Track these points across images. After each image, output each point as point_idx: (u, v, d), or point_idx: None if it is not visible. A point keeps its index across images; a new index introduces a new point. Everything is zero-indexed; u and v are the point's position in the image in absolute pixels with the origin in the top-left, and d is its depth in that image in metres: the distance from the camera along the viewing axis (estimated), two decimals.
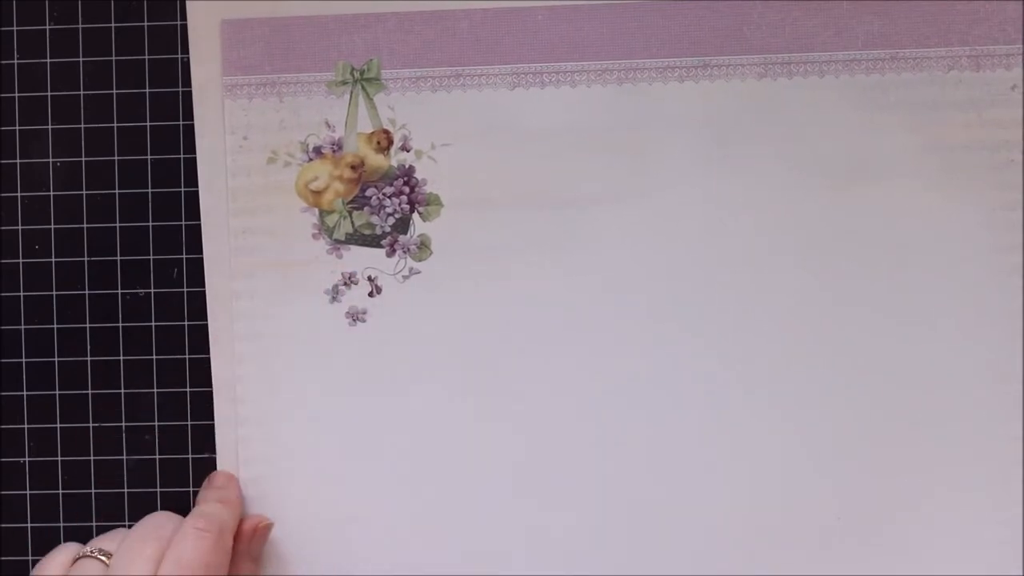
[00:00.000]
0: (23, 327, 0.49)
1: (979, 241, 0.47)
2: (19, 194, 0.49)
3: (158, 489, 0.49)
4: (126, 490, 0.49)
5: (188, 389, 0.49)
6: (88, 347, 0.49)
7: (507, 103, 0.48)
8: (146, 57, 0.49)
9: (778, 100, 0.47)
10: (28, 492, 0.49)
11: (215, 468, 0.48)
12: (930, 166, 0.47)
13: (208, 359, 0.49)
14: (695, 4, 0.47)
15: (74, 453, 0.49)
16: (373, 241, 0.48)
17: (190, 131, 0.49)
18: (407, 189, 0.48)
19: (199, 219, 0.48)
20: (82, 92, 0.49)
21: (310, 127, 0.48)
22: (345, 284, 0.48)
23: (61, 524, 0.49)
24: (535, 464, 0.48)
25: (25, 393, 0.49)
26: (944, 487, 0.47)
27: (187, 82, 0.49)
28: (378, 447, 0.48)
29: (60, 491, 0.49)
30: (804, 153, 0.47)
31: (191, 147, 0.49)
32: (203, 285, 0.49)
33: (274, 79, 0.48)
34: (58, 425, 0.49)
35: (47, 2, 0.49)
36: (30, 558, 0.49)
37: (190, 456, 0.49)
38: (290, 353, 0.48)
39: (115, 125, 0.49)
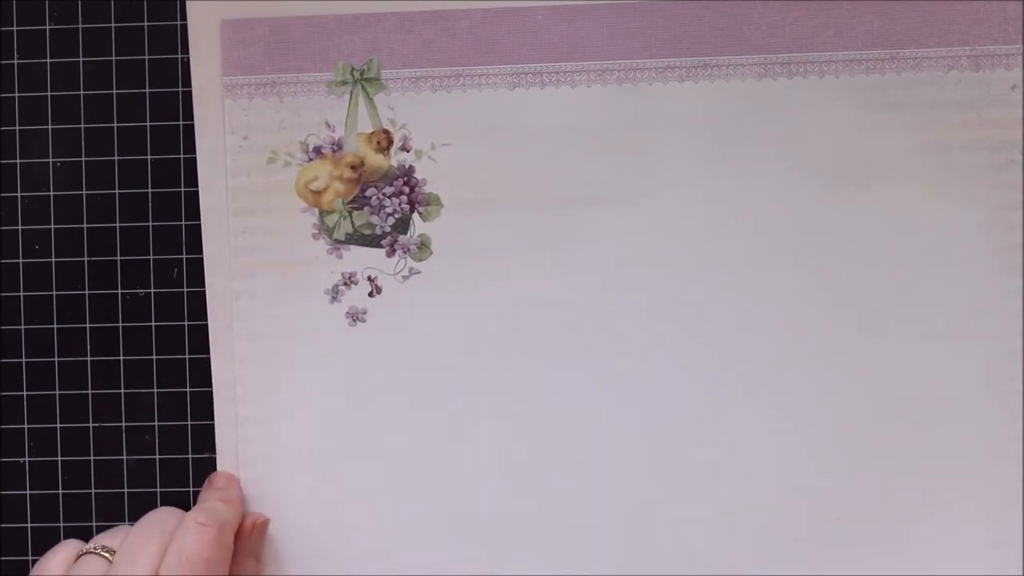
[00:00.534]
0: (23, 327, 0.49)
1: (979, 241, 0.47)
2: (19, 194, 0.49)
3: (158, 489, 0.49)
4: (126, 490, 0.49)
5: (188, 389, 0.49)
6: (88, 347, 0.49)
7: (507, 103, 0.48)
8: (146, 57, 0.49)
9: (778, 100, 0.47)
10: (28, 492, 0.49)
11: (215, 468, 0.48)
12: (930, 166, 0.47)
13: (208, 359, 0.49)
14: (695, 4, 0.47)
15: (74, 453, 0.49)
16: (373, 241, 0.48)
17: (190, 131, 0.49)
18: (407, 189, 0.48)
19: (199, 219, 0.48)
20: (82, 92, 0.49)
21: (310, 127, 0.48)
22: (345, 284, 0.48)
23: (61, 524, 0.49)
24: (535, 464, 0.48)
25: (25, 393, 0.49)
26: (944, 487, 0.47)
27: (187, 82, 0.49)
28: (378, 447, 0.48)
29: (60, 491, 0.49)
30: (804, 153, 0.47)
31: (191, 147, 0.49)
32: (203, 285, 0.49)
33: (274, 79, 0.48)
34: (58, 425, 0.49)
35: (47, 2, 0.49)
36: (30, 558, 0.49)
37: (190, 456, 0.49)
38: (290, 353, 0.48)
39: (115, 125, 0.49)
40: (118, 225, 0.49)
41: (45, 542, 0.49)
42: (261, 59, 0.48)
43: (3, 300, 0.49)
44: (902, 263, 0.47)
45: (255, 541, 0.47)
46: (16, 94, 0.49)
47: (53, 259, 0.49)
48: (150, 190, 0.49)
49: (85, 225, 0.49)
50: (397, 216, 0.48)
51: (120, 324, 0.49)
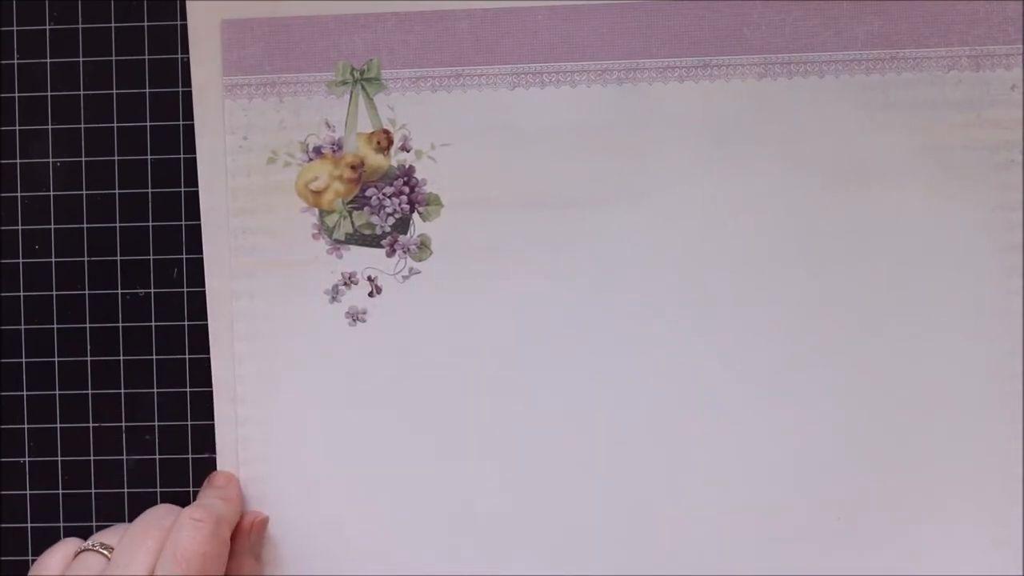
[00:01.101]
0: (23, 327, 0.49)
1: (979, 241, 0.47)
2: (19, 194, 0.49)
3: (158, 489, 0.49)
4: (126, 490, 0.49)
5: (188, 389, 0.49)
6: (88, 347, 0.49)
7: (507, 103, 0.48)
8: (146, 57, 0.49)
9: (778, 100, 0.47)
10: (28, 492, 0.49)
11: (215, 468, 0.48)
12: (930, 166, 0.47)
13: (208, 359, 0.49)
14: (695, 4, 0.47)
15: (74, 453, 0.49)
16: (373, 241, 0.48)
17: (190, 131, 0.49)
18: (407, 189, 0.48)
19: (199, 219, 0.48)
20: (82, 92, 0.49)
21: (310, 127, 0.48)
22: (345, 284, 0.48)
23: (61, 524, 0.49)
24: (534, 463, 0.48)
25: (25, 393, 0.49)
26: (944, 487, 0.47)
27: (187, 82, 0.49)
28: (378, 447, 0.48)
29: (60, 491, 0.49)
30: (804, 153, 0.47)
31: (191, 147, 0.49)
32: (203, 285, 0.49)
33: (274, 79, 0.48)
34: (58, 425, 0.49)
35: (47, 2, 0.49)
36: (30, 558, 0.49)
37: (190, 456, 0.49)
38: (290, 353, 0.48)
39: (115, 125, 0.49)
40: (118, 225, 0.49)
41: (45, 542, 0.49)
42: (261, 59, 0.48)
43: (3, 300, 0.49)
44: (902, 263, 0.47)
45: (254, 539, 0.47)
46: (16, 94, 0.49)
47: (53, 259, 0.49)
48: (150, 190, 0.49)
49: (85, 225, 0.49)
50: (397, 216, 0.48)
51: (120, 324, 0.49)
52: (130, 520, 0.48)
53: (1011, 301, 0.47)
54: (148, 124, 0.49)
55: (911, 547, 0.47)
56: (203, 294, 0.49)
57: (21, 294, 0.49)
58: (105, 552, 0.44)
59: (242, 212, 0.48)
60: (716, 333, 0.47)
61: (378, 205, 0.48)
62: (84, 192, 0.49)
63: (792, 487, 0.47)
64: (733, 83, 0.47)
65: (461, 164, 0.48)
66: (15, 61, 0.49)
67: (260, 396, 0.48)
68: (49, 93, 0.49)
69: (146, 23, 0.49)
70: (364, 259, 0.48)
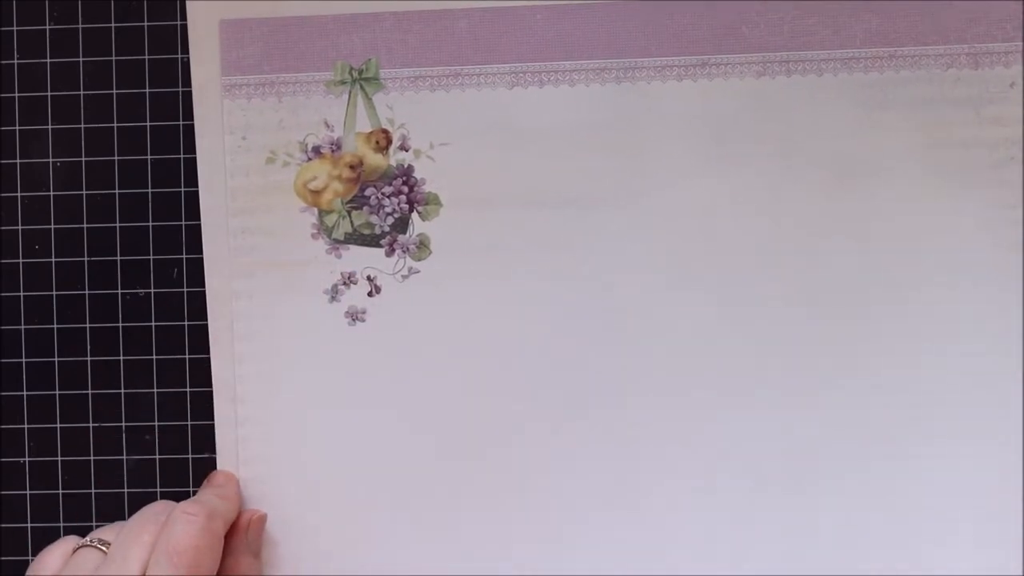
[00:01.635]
0: (23, 327, 0.49)
1: (979, 239, 0.47)
2: (19, 194, 0.50)
3: (158, 489, 0.49)
4: (126, 490, 0.49)
5: (188, 389, 0.49)
6: (88, 347, 0.49)
7: (506, 102, 0.48)
8: (146, 57, 0.49)
9: (777, 98, 0.47)
10: (28, 492, 0.50)
11: (215, 468, 0.48)
12: (929, 164, 0.47)
13: (208, 359, 0.49)
14: (693, 3, 0.47)
15: (74, 453, 0.49)
16: (372, 241, 0.48)
17: (190, 131, 0.49)
18: (406, 189, 0.48)
19: (199, 219, 0.48)
20: (82, 92, 0.49)
21: (309, 127, 0.48)
22: (344, 284, 0.48)
23: (61, 524, 0.49)
24: (535, 462, 0.48)
25: (25, 393, 0.50)
26: (943, 487, 0.47)
27: (187, 82, 0.49)
28: (378, 446, 0.48)
29: (60, 491, 0.49)
30: (803, 151, 0.47)
31: (191, 147, 0.49)
32: (203, 285, 0.49)
33: (273, 79, 0.48)
34: (58, 425, 0.49)
35: (47, 2, 0.49)
36: (30, 558, 0.49)
37: (190, 456, 0.49)
38: (290, 353, 0.48)
39: (115, 125, 0.49)
40: (118, 225, 0.49)
41: (45, 542, 0.49)
42: (259, 59, 0.48)
43: (3, 300, 0.50)
44: (901, 260, 0.47)
45: (252, 537, 0.47)
46: (16, 94, 0.49)
47: (53, 259, 0.49)
48: (150, 190, 0.49)
49: (85, 225, 0.49)
50: (396, 216, 0.48)
51: (120, 324, 0.49)
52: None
53: (1011, 300, 0.47)
54: (148, 124, 0.49)
55: (911, 546, 0.47)
56: (203, 294, 0.49)
57: (21, 294, 0.49)
58: (103, 548, 0.44)
59: (241, 212, 0.48)
60: (715, 330, 0.47)
61: (377, 205, 0.48)
62: (84, 192, 0.49)
63: (791, 485, 0.47)
64: (732, 82, 0.47)
65: (460, 163, 0.48)
66: (15, 61, 0.49)
67: (260, 396, 0.48)
68: (49, 93, 0.49)
69: (146, 23, 0.49)
70: (363, 259, 0.48)
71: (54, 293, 0.49)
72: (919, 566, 0.47)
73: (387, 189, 0.48)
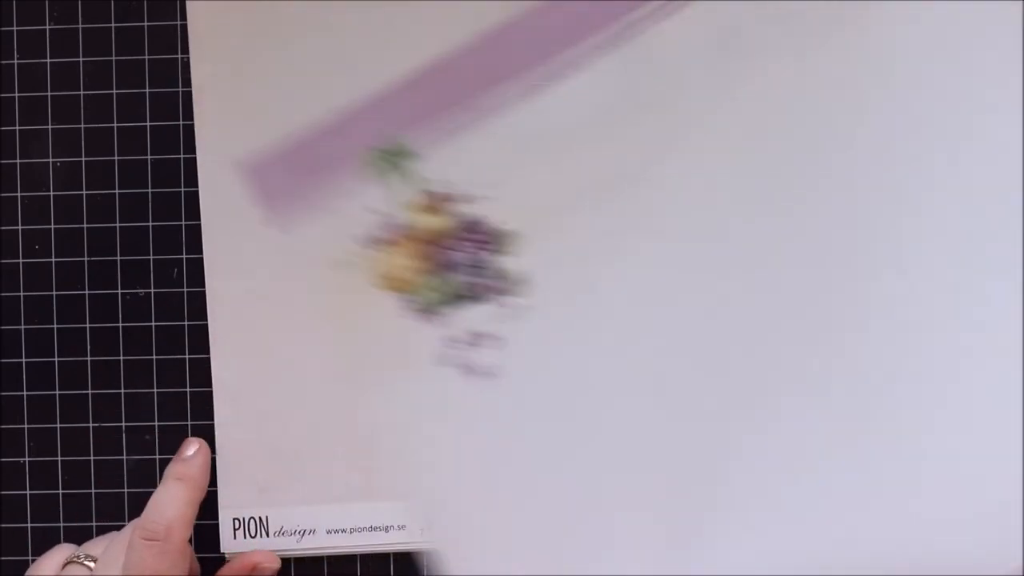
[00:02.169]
0: (23, 327, 0.49)
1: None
2: (19, 194, 0.49)
3: None
4: (126, 490, 0.49)
5: (188, 389, 0.49)
6: (88, 347, 0.49)
7: (532, 116, 0.47)
8: (146, 57, 0.49)
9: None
10: (28, 492, 0.49)
11: (215, 468, 0.48)
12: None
13: (208, 359, 0.49)
14: None
15: (74, 453, 0.49)
16: (472, 298, 0.47)
17: (190, 131, 0.49)
18: (479, 237, 0.47)
19: (199, 219, 0.48)
20: (82, 92, 0.49)
21: (358, 219, 0.47)
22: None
23: (61, 524, 0.49)
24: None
25: (25, 393, 0.50)
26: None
27: (187, 82, 0.49)
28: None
29: (60, 491, 0.49)
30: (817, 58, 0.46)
31: (191, 147, 0.49)
32: (203, 285, 0.49)
33: (309, 193, 0.48)
34: (58, 425, 0.49)
35: (47, 2, 0.49)
36: (30, 558, 0.49)
37: None
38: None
39: (115, 125, 0.49)
40: (118, 225, 0.49)
41: (45, 542, 0.49)
42: (291, 191, 0.48)
43: (3, 300, 0.49)
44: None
45: None
46: (16, 94, 0.49)
47: (53, 259, 0.49)
48: (150, 190, 0.49)
49: (85, 225, 0.49)
50: (482, 266, 0.47)
51: (120, 324, 0.49)
52: (130, 520, 0.48)
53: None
54: (148, 124, 0.49)
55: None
56: (203, 294, 0.49)
57: (21, 294, 0.49)
58: (89, 564, 0.44)
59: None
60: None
61: (458, 263, 0.47)
62: (84, 192, 0.49)
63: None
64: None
65: (517, 188, 0.47)
66: (15, 61, 0.49)
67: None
68: (49, 93, 0.49)
69: (146, 23, 0.49)
70: (468, 318, 0.48)
71: (54, 293, 0.49)
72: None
73: (462, 245, 0.47)
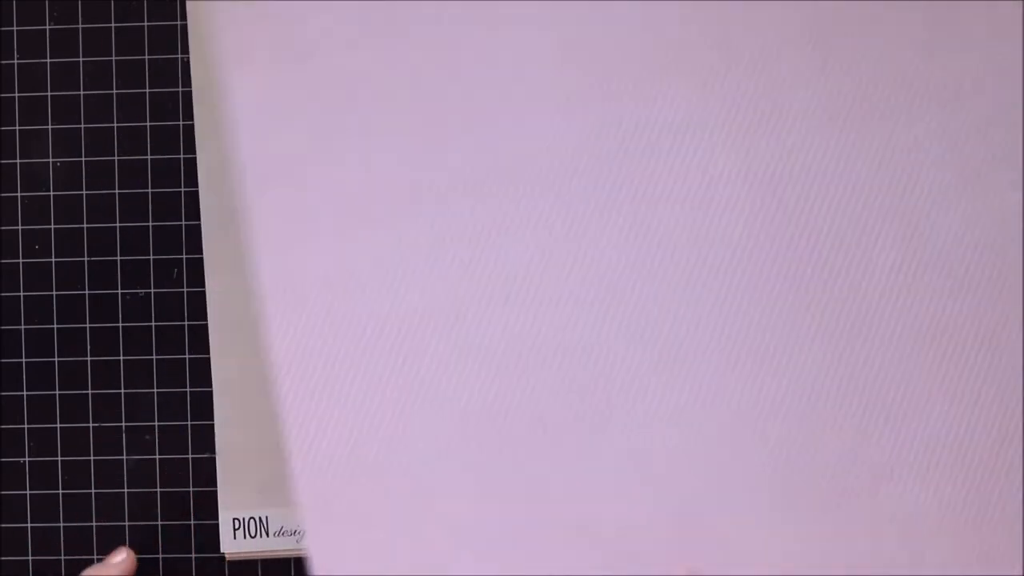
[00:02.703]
0: (23, 327, 0.49)
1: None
2: (19, 194, 0.49)
3: (158, 489, 0.49)
4: (126, 490, 0.49)
5: (188, 389, 0.49)
6: (88, 347, 0.49)
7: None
8: (146, 57, 0.49)
9: None
10: (28, 492, 0.49)
11: (215, 468, 0.48)
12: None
13: (208, 359, 0.49)
14: None
15: (74, 453, 0.49)
16: None
17: (190, 131, 0.49)
18: None
19: (199, 219, 0.48)
20: (82, 92, 0.49)
21: None
22: None
23: (61, 524, 0.49)
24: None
25: (25, 393, 0.50)
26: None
27: (187, 82, 0.49)
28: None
29: (60, 491, 0.49)
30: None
31: (191, 147, 0.49)
32: (203, 285, 0.49)
33: None
34: (58, 425, 0.49)
35: (47, 2, 0.49)
36: (30, 558, 0.49)
37: (190, 456, 0.49)
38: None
39: (115, 125, 0.49)
40: (118, 225, 0.49)
41: (45, 542, 0.49)
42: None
43: (3, 300, 0.49)
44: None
45: None
46: (16, 94, 0.49)
47: (53, 259, 0.49)
48: (150, 190, 0.49)
49: (85, 225, 0.49)
50: None
51: (120, 324, 0.49)
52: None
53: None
54: (148, 124, 0.49)
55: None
56: (203, 294, 0.49)
57: (21, 294, 0.49)
58: None
59: None
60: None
61: None
62: (84, 192, 0.49)
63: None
64: None
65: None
66: (15, 61, 0.49)
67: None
68: (49, 93, 0.49)
69: (146, 23, 0.49)
70: None
71: (54, 293, 0.49)
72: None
73: None
